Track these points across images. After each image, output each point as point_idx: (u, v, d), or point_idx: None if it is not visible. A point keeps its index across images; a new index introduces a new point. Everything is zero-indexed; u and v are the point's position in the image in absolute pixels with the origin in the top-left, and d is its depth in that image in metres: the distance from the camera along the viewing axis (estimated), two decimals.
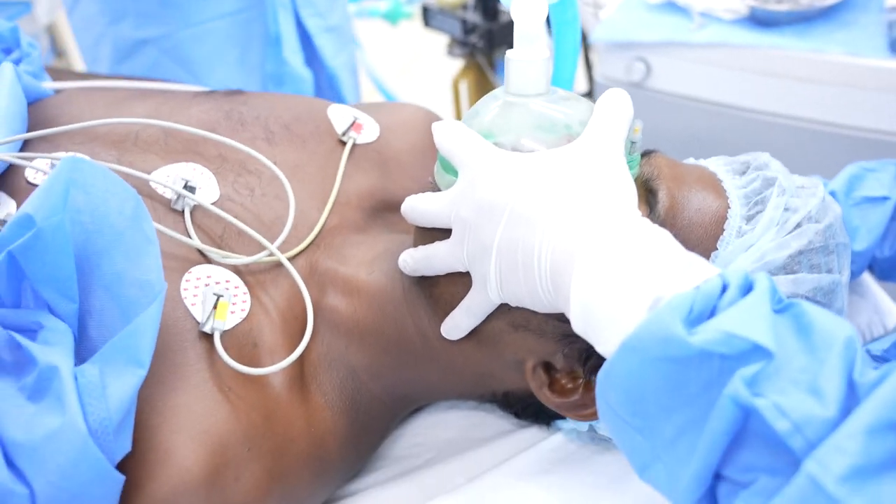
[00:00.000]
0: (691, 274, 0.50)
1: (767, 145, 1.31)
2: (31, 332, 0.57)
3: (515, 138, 0.63)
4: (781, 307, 0.48)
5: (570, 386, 0.66)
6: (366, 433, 0.71)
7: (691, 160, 0.73)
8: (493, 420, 0.77)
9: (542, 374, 0.66)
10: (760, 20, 1.30)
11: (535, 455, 0.72)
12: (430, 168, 0.86)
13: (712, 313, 0.47)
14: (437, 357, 0.70)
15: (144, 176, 0.68)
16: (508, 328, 0.65)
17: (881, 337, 0.92)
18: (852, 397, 0.43)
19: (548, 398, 0.66)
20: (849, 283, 0.67)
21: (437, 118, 0.93)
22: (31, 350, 0.54)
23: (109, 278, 0.57)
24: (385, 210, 0.81)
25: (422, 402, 0.77)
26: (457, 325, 0.65)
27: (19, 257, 0.56)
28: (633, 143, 0.64)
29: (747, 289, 0.49)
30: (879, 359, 0.74)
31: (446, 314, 0.66)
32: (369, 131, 0.85)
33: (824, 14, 1.29)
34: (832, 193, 0.85)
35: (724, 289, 0.48)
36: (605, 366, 0.50)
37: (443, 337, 0.67)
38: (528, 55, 0.63)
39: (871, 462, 0.40)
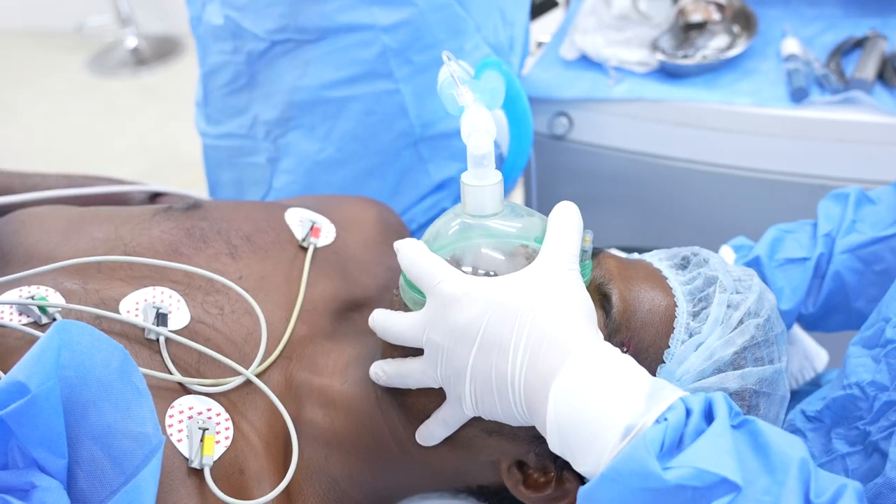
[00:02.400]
0: (657, 400, 0.55)
1: (685, 189, 1.41)
2: (23, 491, 0.58)
3: (476, 258, 0.67)
4: (738, 423, 0.54)
5: (542, 480, 0.71)
6: None
7: (635, 255, 0.79)
8: None
9: (516, 472, 0.71)
10: (670, 72, 1.38)
11: None
12: (385, 261, 0.89)
13: (681, 441, 0.53)
14: (413, 460, 0.73)
15: (117, 317, 0.69)
16: (482, 434, 0.69)
17: (812, 380, 1.00)
18: None
19: (523, 494, 0.71)
20: (788, 365, 0.74)
21: (386, 209, 0.96)
22: None
23: (99, 430, 0.59)
24: (350, 310, 0.84)
25: (401, 500, 0.80)
26: (432, 434, 0.69)
27: (11, 423, 0.57)
28: (584, 251, 0.69)
29: (708, 412, 0.54)
30: (814, 419, 0.81)
31: (420, 422, 0.70)
32: (327, 233, 0.87)
33: (728, 64, 1.38)
34: (757, 258, 0.92)
35: (688, 414, 0.54)
36: (584, 490, 0.55)
37: (418, 443, 0.71)
38: (482, 180, 0.67)
39: None
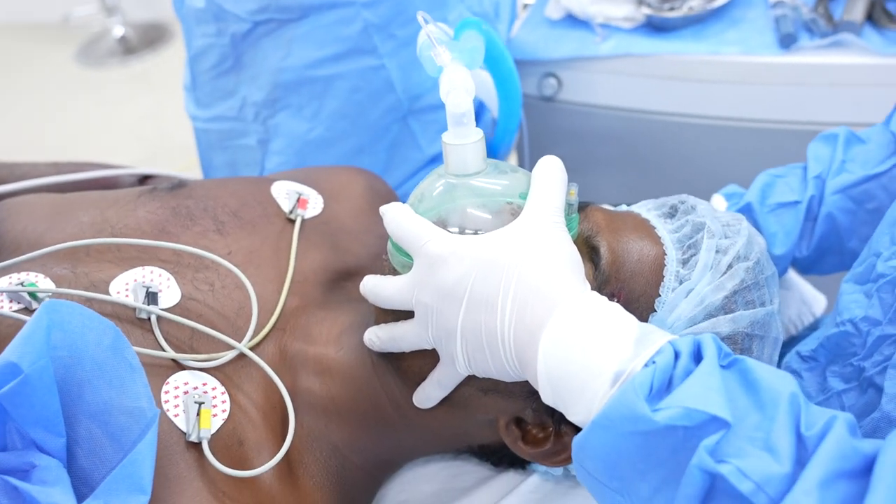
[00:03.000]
0: (645, 345, 0.55)
1: (677, 144, 1.40)
2: (23, 472, 0.58)
3: (461, 218, 0.67)
4: (728, 363, 0.54)
5: (541, 436, 0.71)
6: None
7: (623, 207, 0.79)
8: (471, 468, 0.82)
9: (514, 429, 0.71)
10: (657, 26, 1.36)
11: (517, 499, 0.77)
12: (375, 230, 0.89)
13: (670, 383, 0.53)
14: (412, 424, 0.74)
15: (107, 298, 0.70)
16: (478, 393, 0.69)
17: (811, 325, 1.00)
18: (803, 450, 0.49)
19: (522, 450, 0.71)
20: (780, 307, 0.74)
21: (374, 177, 0.96)
22: (32, 493, 0.55)
23: (95, 408, 0.59)
24: (342, 280, 0.84)
25: (403, 464, 0.81)
26: (428, 396, 0.69)
27: (6, 404, 0.57)
28: (570, 204, 0.68)
29: (697, 354, 0.54)
30: (809, 358, 0.81)
31: (416, 385, 0.70)
32: (314, 204, 0.87)
33: (715, 14, 1.36)
34: (748, 205, 0.92)
35: (677, 356, 0.54)
36: (577, 439, 0.55)
37: (415, 405, 0.71)
38: (463, 138, 0.67)
39: None
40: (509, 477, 0.80)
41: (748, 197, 0.92)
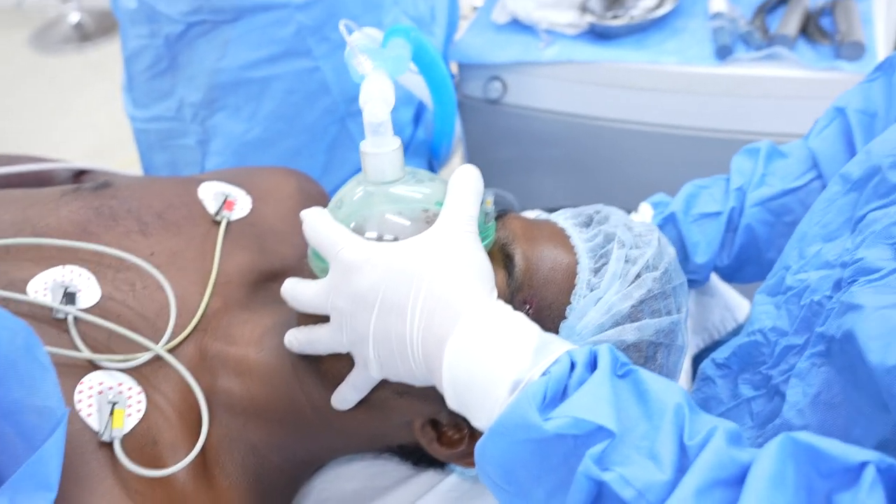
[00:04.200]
0: (544, 354, 0.57)
1: (616, 149, 1.42)
2: None
3: (378, 225, 0.68)
4: (623, 372, 0.56)
5: (456, 437, 0.72)
6: None
7: (540, 213, 0.80)
8: (392, 467, 0.83)
9: (429, 430, 0.72)
10: (600, 34, 1.39)
11: (435, 497, 0.79)
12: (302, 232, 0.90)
13: (563, 393, 0.55)
14: (331, 424, 0.75)
15: (22, 297, 0.70)
16: (394, 395, 0.70)
17: (734, 330, 1.03)
18: (684, 458, 0.51)
19: (438, 451, 0.72)
20: (687, 316, 0.76)
21: (306, 179, 0.97)
22: None
23: (6, 407, 0.59)
24: (268, 281, 0.84)
25: (323, 464, 0.82)
26: (344, 398, 0.71)
27: None
28: (486, 213, 0.70)
29: (593, 363, 0.56)
30: (722, 366, 0.84)
31: (334, 387, 0.71)
32: (242, 206, 0.88)
33: (656, 24, 1.39)
34: (672, 214, 0.94)
35: (573, 366, 0.56)
36: (478, 445, 0.57)
37: (334, 407, 0.72)
38: (380, 147, 0.68)
39: None
40: (429, 476, 0.81)
41: (673, 206, 0.95)
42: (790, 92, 1.27)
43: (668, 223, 0.95)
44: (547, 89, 1.40)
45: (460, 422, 0.72)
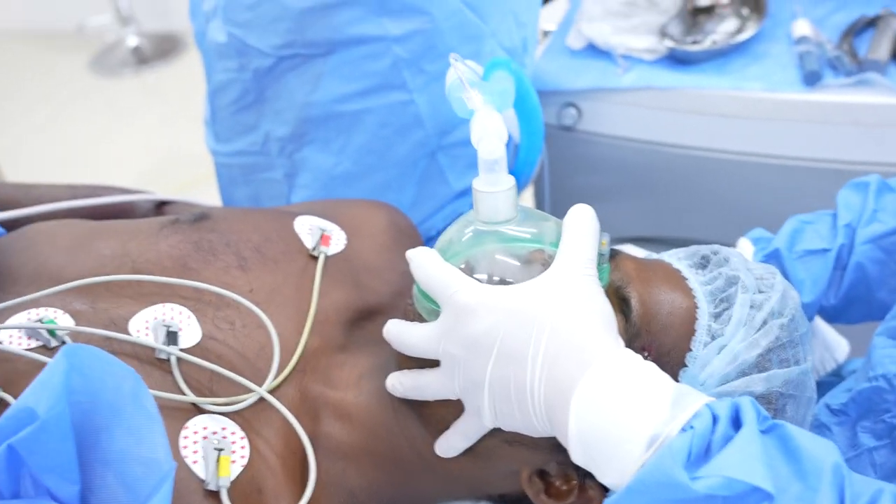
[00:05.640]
0: (682, 408, 0.53)
1: (697, 178, 1.39)
2: None
3: (490, 265, 0.66)
4: (767, 427, 0.53)
5: (564, 488, 0.69)
6: None
7: (653, 256, 0.77)
8: None
9: (537, 481, 0.69)
10: (680, 59, 1.35)
11: None
12: (397, 267, 0.88)
13: (707, 449, 0.51)
14: (433, 471, 0.72)
15: (127, 338, 0.68)
16: (503, 444, 0.67)
17: (834, 370, 0.99)
18: None
19: (545, 503, 0.69)
20: (813, 364, 0.72)
21: (396, 212, 0.95)
22: None
23: (112, 456, 0.58)
24: (363, 319, 0.82)
25: None
26: (451, 446, 0.68)
27: (21, 450, 0.56)
28: (601, 254, 0.67)
29: (735, 418, 0.53)
30: (839, 412, 0.80)
31: (439, 432, 0.69)
32: (337, 241, 0.86)
33: (738, 49, 1.35)
34: (776, 251, 0.90)
35: (715, 421, 0.52)
36: (609, 502, 0.54)
37: (436, 453, 0.69)
38: (494, 185, 0.65)
39: None
40: None
41: (776, 243, 0.91)
42: (883, 119, 1.22)
43: (770, 259, 0.91)
44: (624, 116, 1.37)
45: (570, 473, 0.69)
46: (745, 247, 0.94)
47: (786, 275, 0.89)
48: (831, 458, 0.50)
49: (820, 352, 0.99)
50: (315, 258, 0.83)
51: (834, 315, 0.92)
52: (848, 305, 0.90)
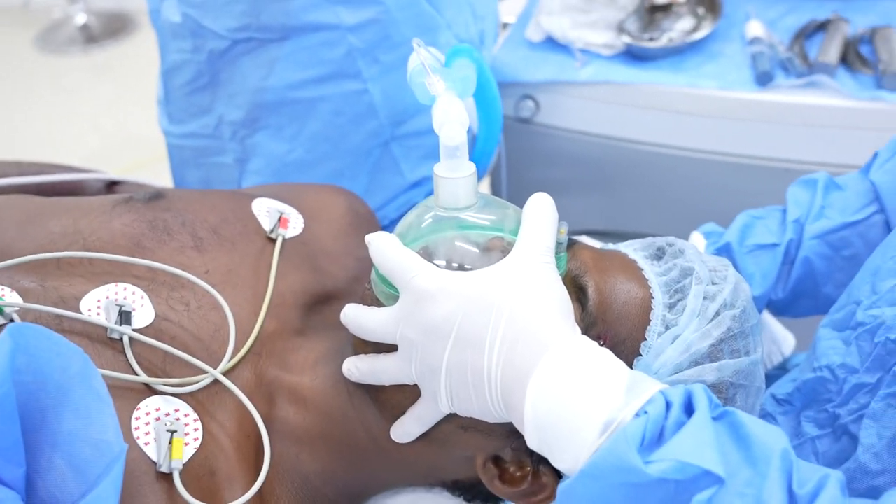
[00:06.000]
0: (636, 394, 0.54)
1: (651, 173, 1.41)
2: None
3: (450, 251, 0.66)
4: (718, 414, 0.54)
5: (518, 474, 0.70)
6: None
7: (609, 246, 0.78)
8: (442, 501, 0.80)
9: (492, 467, 0.70)
10: (637, 55, 1.37)
11: None
12: (355, 252, 0.88)
13: (661, 435, 0.52)
14: (387, 456, 0.72)
15: (78, 316, 0.67)
16: (458, 430, 0.68)
17: (780, 364, 1.01)
18: None
19: (499, 489, 0.70)
20: (763, 355, 0.74)
21: (355, 198, 0.94)
22: None
23: (59, 437, 0.56)
24: (320, 303, 0.82)
25: (374, 495, 0.79)
26: (406, 431, 0.68)
27: None
28: (559, 243, 0.68)
29: (688, 404, 0.54)
30: (784, 402, 0.82)
31: (394, 418, 0.69)
32: (295, 224, 0.85)
33: (694, 47, 1.37)
34: (727, 245, 0.92)
35: (668, 407, 0.53)
36: (564, 487, 0.54)
37: (392, 439, 0.69)
38: (455, 171, 0.66)
39: None
40: None
41: (727, 237, 0.93)
42: (831, 121, 1.25)
43: (721, 253, 0.93)
44: (581, 110, 1.38)
45: (524, 459, 0.69)
46: (697, 240, 0.96)
47: (737, 268, 0.91)
48: (780, 444, 0.51)
49: (767, 346, 1.01)
50: (273, 240, 0.82)
51: (782, 308, 0.94)
52: (795, 299, 0.92)
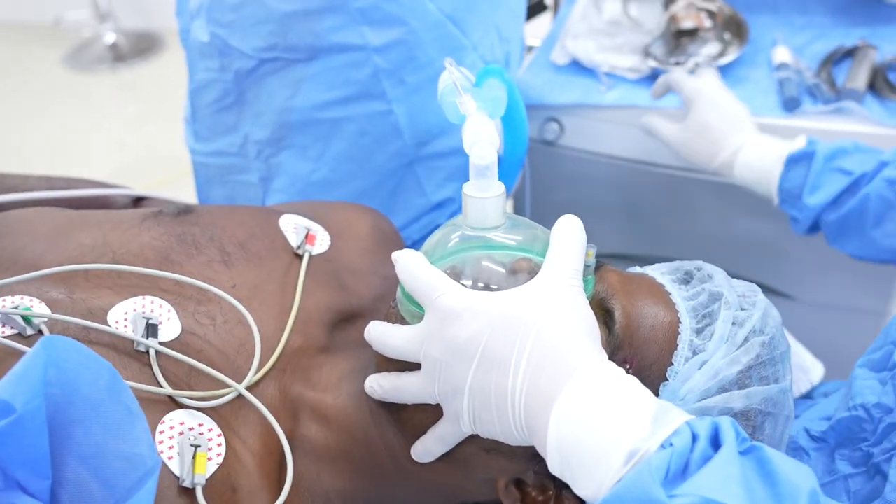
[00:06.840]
0: (662, 424, 0.53)
1: (676, 197, 1.40)
2: None
3: (476, 271, 0.66)
4: (745, 449, 0.53)
5: (540, 499, 0.69)
6: None
7: (636, 269, 0.78)
8: None
9: (513, 490, 0.69)
10: None
11: None
12: (380, 270, 0.88)
13: (686, 468, 0.51)
14: (408, 476, 0.71)
15: (105, 328, 0.67)
16: (480, 451, 0.67)
17: (807, 392, 1.00)
18: None
19: None
20: (792, 383, 0.73)
21: (380, 216, 0.95)
22: None
23: (87, 450, 0.56)
24: (344, 322, 0.82)
25: None
26: (428, 450, 0.67)
27: None
28: (587, 266, 0.67)
29: (715, 438, 0.53)
30: (818, 439, 0.81)
31: (416, 437, 0.68)
32: (322, 241, 0.85)
33: (720, 72, 1.37)
34: (813, 153, 0.98)
35: (695, 439, 0.52)
36: None
37: (413, 458, 0.69)
38: (485, 191, 0.65)
39: None
40: None
41: (821, 149, 0.98)
42: None
43: (803, 160, 0.99)
44: (606, 133, 1.38)
45: (547, 483, 0.68)
46: (799, 140, 1.02)
47: (807, 174, 0.97)
48: (808, 483, 0.50)
49: (796, 373, 1.00)
50: (299, 257, 0.82)
51: (831, 237, 0.99)
52: (843, 232, 0.97)
